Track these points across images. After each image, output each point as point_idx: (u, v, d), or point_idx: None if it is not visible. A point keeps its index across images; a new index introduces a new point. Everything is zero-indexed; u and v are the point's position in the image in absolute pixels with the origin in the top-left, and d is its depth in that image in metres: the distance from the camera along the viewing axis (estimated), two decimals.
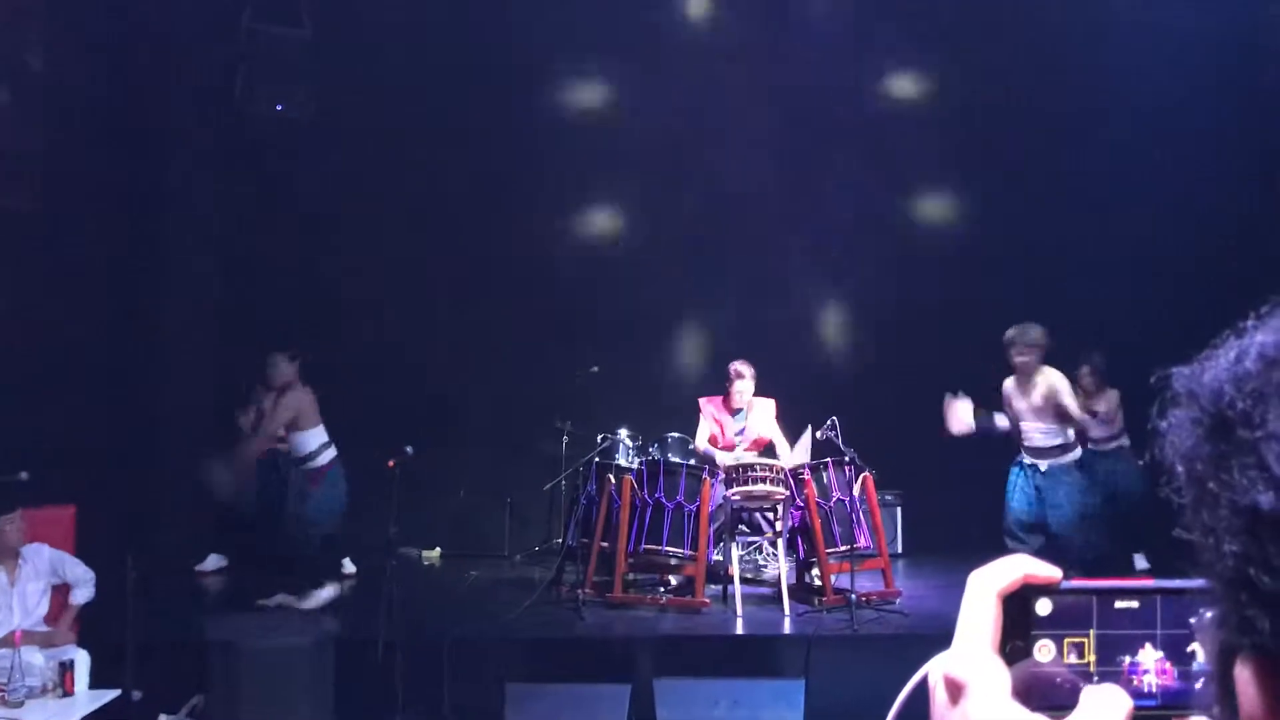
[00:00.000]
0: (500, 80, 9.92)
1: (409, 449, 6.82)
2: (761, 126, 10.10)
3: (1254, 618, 0.45)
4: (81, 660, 5.40)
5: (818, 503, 7.64)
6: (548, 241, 10.17)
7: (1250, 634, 0.46)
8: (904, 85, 10.19)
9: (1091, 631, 0.69)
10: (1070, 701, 0.67)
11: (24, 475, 6.43)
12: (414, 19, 9.83)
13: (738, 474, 7.61)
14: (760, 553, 8.88)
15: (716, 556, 8.01)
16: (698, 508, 7.53)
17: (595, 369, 9.12)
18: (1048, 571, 0.68)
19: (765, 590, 8.13)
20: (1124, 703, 0.64)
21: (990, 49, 9.72)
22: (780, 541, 7.77)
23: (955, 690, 0.65)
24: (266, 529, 8.40)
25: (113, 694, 5.42)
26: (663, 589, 7.94)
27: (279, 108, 9.34)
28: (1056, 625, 0.69)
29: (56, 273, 7.93)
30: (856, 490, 7.75)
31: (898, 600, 7.55)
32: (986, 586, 0.68)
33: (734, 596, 7.47)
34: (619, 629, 7.13)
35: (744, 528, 8.08)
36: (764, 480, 7.54)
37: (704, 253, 10.16)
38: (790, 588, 7.60)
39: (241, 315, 9.67)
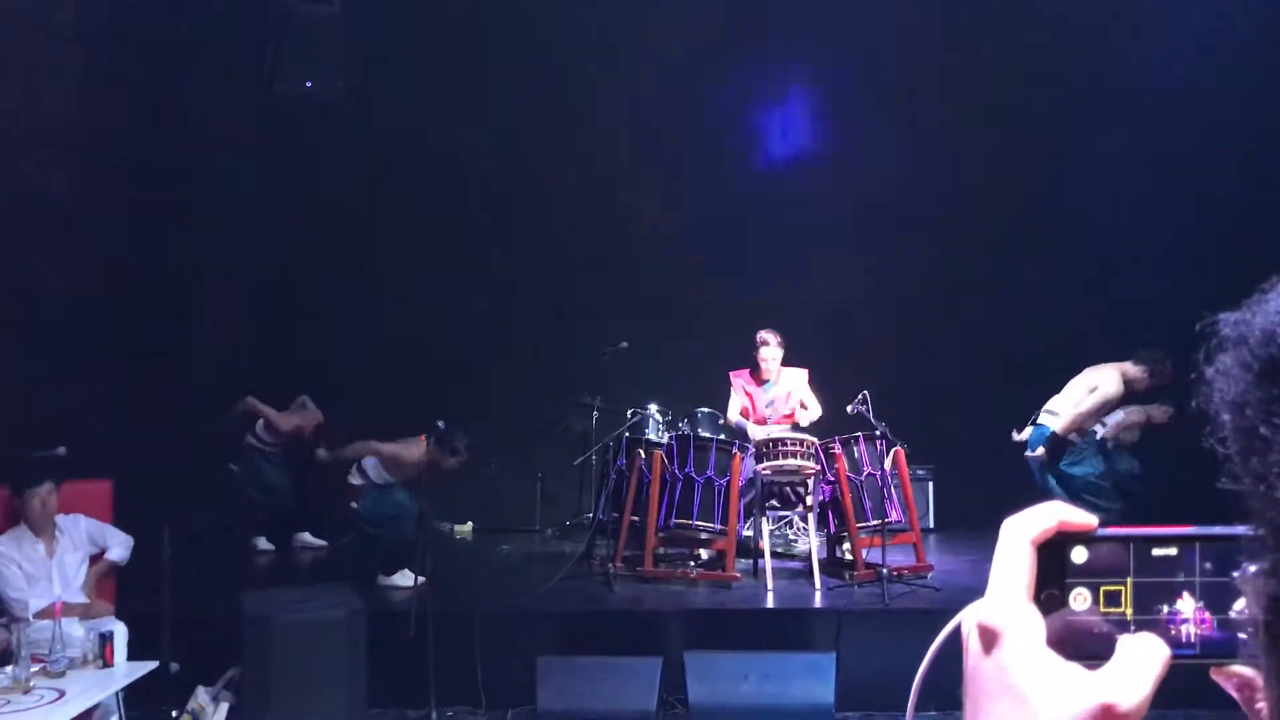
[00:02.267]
0: (531, 57, 9.90)
1: (441, 424, 6.85)
2: (793, 99, 10.03)
3: None
4: (120, 632, 5.47)
5: (849, 477, 7.62)
6: (577, 217, 10.15)
7: None
8: (938, 57, 10.07)
9: (1129, 580, 0.68)
10: (1106, 651, 0.65)
11: (62, 450, 6.52)
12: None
13: (768, 449, 7.59)
14: (791, 527, 8.87)
15: (747, 531, 8.01)
16: (728, 482, 7.52)
17: (625, 344, 9.11)
18: (1083, 518, 0.67)
19: (796, 565, 8.13)
20: (1161, 652, 0.63)
21: (1028, 24, 9.60)
22: (811, 516, 7.76)
23: (990, 638, 0.65)
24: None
25: (151, 665, 5.49)
26: (693, 563, 7.96)
27: (309, 85, 9.35)
28: (1092, 573, 0.68)
29: (94, 252, 8.01)
30: (888, 464, 7.72)
31: (929, 575, 7.53)
32: (1021, 534, 0.67)
33: (764, 571, 7.47)
34: (650, 603, 7.16)
35: (774, 502, 8.05)
36: (795, 455, 7.52)
37: (734, 226, 10.12)
38: (821, 562, 7.59)
39: (274, 292, 9.73)
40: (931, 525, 9.32)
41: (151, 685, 5.56)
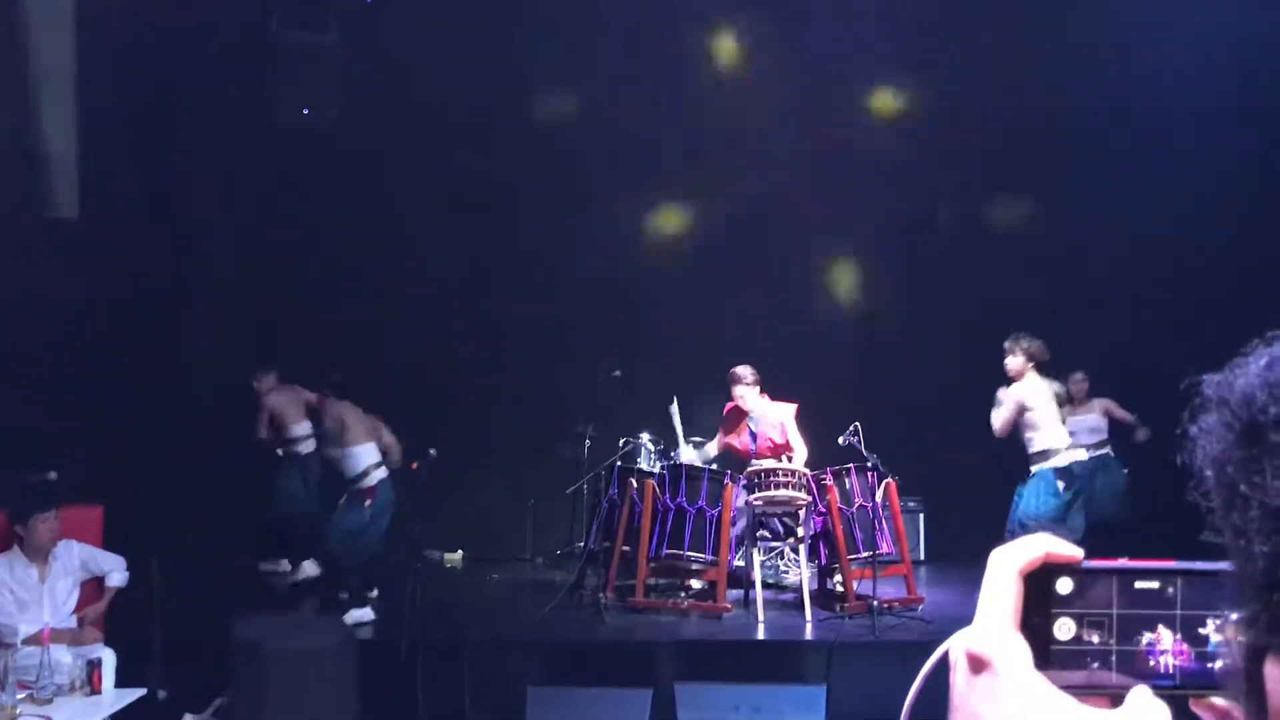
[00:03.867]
0: (525, 85, 9.98)
1: (433, 451, 6.86)
2: (784, 134, 10.11)
3: None
4: (108, 659, 5.44)
5: (840, 508, 7.63)
6: (571, 246, 10.19)
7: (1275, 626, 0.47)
8: (924, 91, 10.16)
9: (1112, 611, 0.70)
10: (1089, 680, 0.68)
11: (53, 475, 6.51)
12: (439, 24, 9.89)
13: (760, 479, 7.60)
14: (782, 558, 8.86)
15: (738, 562, 8.00)
16: (719, 512, 7.53)
17: (618, 373, 9.12)
18: (1069, 550, 0.69)
19: (787, 596, 8.13)
20: (1163, 716, 0.64)
21: (1007, 55, 9.69)
22: (802, 547, 7.76)
23: (978, 665, 0.67)
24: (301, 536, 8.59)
25: (139, 693, 5.46)
26: (684, 594, 7.95)
27: (305, 112, 9.40)
28: (1077, 604, 0.70)
29: (87, 275, 8.01)
30: (879, 496, 7.74)
31: (920, 607, 7.53)
32: (1008, 564, 0.69)
33: (755, 602, 7.46)
34: (640, 633, 7.14)
35: (765, 533, 8.06)
36: (786, 486, 7.53)
37: (726, 258, 10.17)
38: (812, 593, 7.59)
39: (268, 318, 9.74)
40: (922, 557, 9.32)
41: (140, 713, 5.52)
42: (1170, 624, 0.69)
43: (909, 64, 10.07)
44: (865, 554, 7.48)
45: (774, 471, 7.63)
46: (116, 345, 8.32)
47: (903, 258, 10.01)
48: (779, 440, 8.21)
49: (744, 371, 8.19)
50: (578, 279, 10.14)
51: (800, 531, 7.74)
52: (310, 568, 8.57)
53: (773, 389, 8.32)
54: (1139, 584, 0.69)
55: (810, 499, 7.64)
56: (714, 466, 8.07)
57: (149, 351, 8.84)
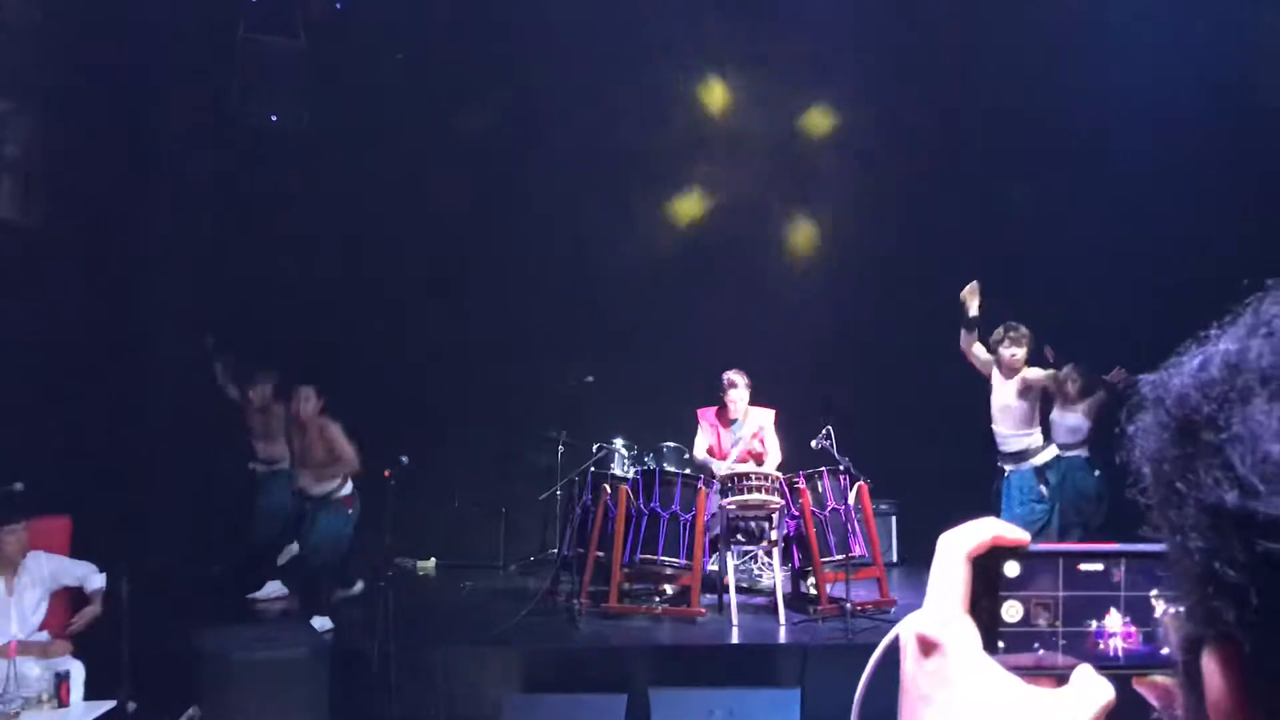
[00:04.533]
0: (494, 90, 9.96)
1: (404, 459, 6.82)
2: (756, 137, 10.14)
3: (1219, 609, 0.47)
4: (77, 671, 5.40)
5: (813, 512, 7.65)
6: (543, 251, 10.18)
7: (1216, 624, 0.48)
8: (894, 93, 10.22)
9: (1058, 593, 0.71)
10: (1037, 661, 0.69)
11: (19, 486, 6.43)
12: (409, 29, 9.86)
13: (733, 483, 7.62)
14: (756, 562, 8.88)
15: (712, 566, 8.02)
16: (693, 517, 7.54)
17: (590, 379, 9.13)
18: (1016, 534, 0.70)
19: (761, 599, 8.14)
20: (1107, 694, 0.66)
21: (980, 58, 9.76)
22: (776, 551, 7.78)
23: (927, 648, 0.68)
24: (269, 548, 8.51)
25: (108, 705, 5.41)
26: (658, 598, 7.95)
27: (274, 118, 9.35)
28: (1024, 587, 0.71)
29: (52, 283, 7.93)
30: (851, 499, 7.77)
31: (893, 609, 7.56)
32: (956, 548, 0.70)
33: (730, 606, 7.47)
34: (615, 639, 7.13)
35: (739, 537, 8.07)
36: (759, 490, 7.55)
37: (698, 262, 10.19)
38: (786, 597, 7.61)
39: (236, 325, 9.67)
40: (895, 560, 9.36)
41: None
42: (1117, 605, 0.70)
43: (884, 65, 10.12)
44: (838, 557, 7.51)
45: (747, 476, 7.65)
46: (82, 354, 8.23)
47: (876, 261, 10.05)
48: (758, 448, 8.25)
49: (739, 377, 8.22)
50: (550, 285, 10.13)
51: (774, 535, 7.76)
52: (276, 588, 8.51)
53: (751, 391, 8.38)
54: (1084, 566, 0.71)
55: (783, 503, 7.66)
56: (687, 471, 8.08)
57: (116, 360, 8.75)
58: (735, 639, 7.18)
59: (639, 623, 7.50)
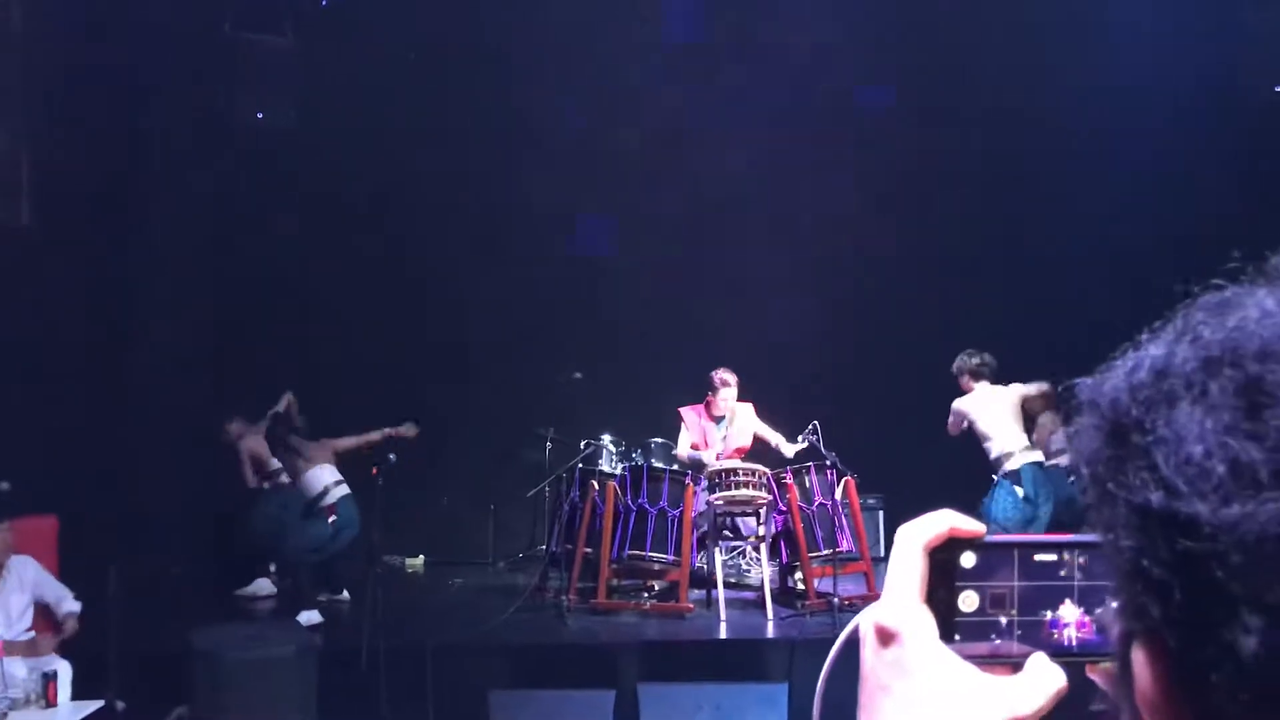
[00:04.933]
0: (482, 88, 9.94)
1: (392, 456, 6.83)
2: (743, 133, 10.15)
3: (1146, 604, 0.49)
4: (64, 671, 5.38)
5: (800, 507, 7.67)
6: (531, 249, 10.18)
7: (1144, 619, 0.50)
8: (883, 90, 10.25)
9: (1014, 584, 0.72)
10: (993, 651, 0.71)
11: (5, 485, 6.41)
12: (396, 27, 9.84)
13: (721, 479, 7.64)
14: (743, 557, 8.90)
15: (700, 562, 8.04)
16: (681, 513, 7.55)
17: (579, 375, 9.13)
18: (972, 525, 0.72)
19: (748, 595, 8.16)
20: (1059, 681, 0.67)
21: (977, 56, 9.79)
22: (763, 546, 7.80)
23: (885, 638, 0.69)
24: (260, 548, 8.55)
25: (96, 705, 5.40)
26: (646, 594, 7.96)
27: (260, 116, 9.32)
28: (980, 577, 0.72)
29: (43, 284, 7.91)
30: (839, 494, 7.79)
31: None
32: (913, 540, 0.71)
33: (717, 601, 7.49)
34: (603, 635, 7.15)
35: (727, 532, 8.11)
36: (747, 485, 7.57)
37: (685, 259, 10.20)
38: (773, 592, 7.63)
39: (226, 324, 9.66)
40: (882, 554, 9.37)
41: None
42: (1071, 595, 0.71)
43: (871, 62, 10.14)
44: (826, 552, 7.53)
45: (735, 471, 7.67)
46: (73, 354, 8.21)
47: (862, 257, 10.07)
48: (746, 444, 8.29)
49: (730, 377, 8.24)
50: (539, 282, 10.13)
51: (761, 530, 7.78)
52: (265, 585, 8.51)
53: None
54: (1039, 557, 0.72)
55: (771, 498, 7.68)
56: (675, 467, 8.10)
57: (105, 360, 8.72)
58: (723, 634, 7.21)
59: (627, 618, 7.52)
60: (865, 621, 0.71)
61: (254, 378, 9.17)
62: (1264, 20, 9.18)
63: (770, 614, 7.40)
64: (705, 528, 7.86)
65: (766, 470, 7.77)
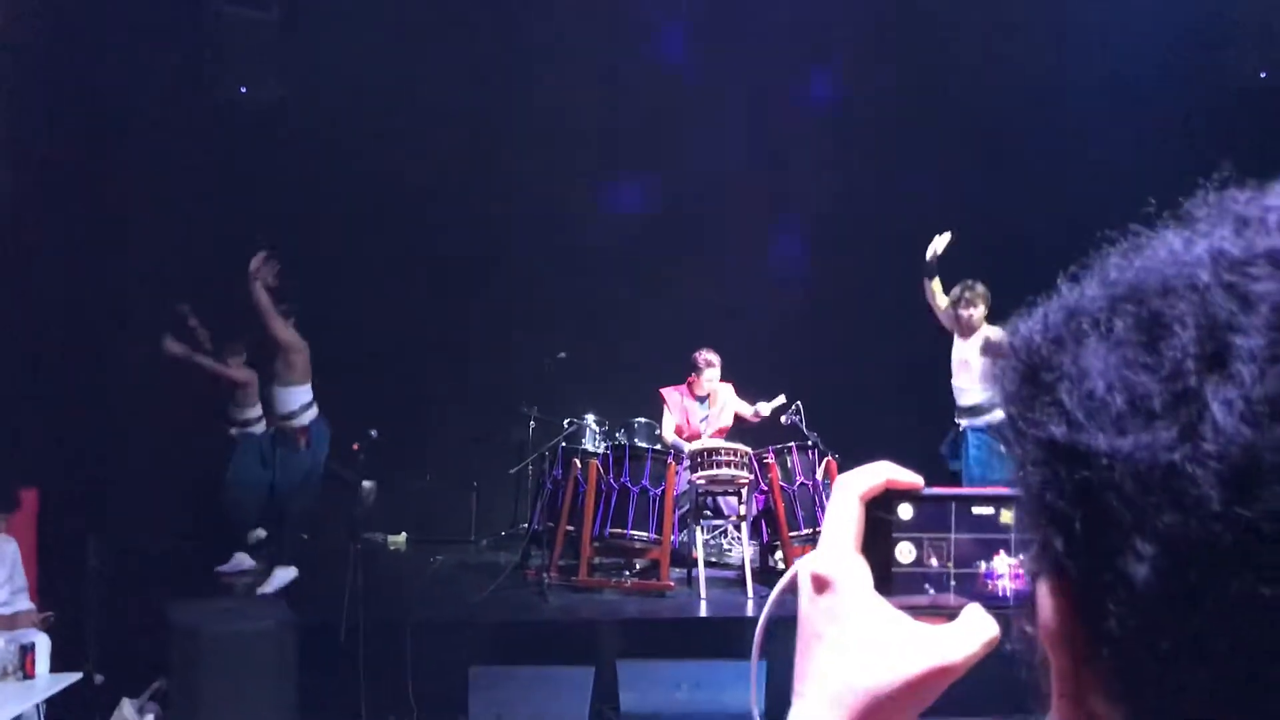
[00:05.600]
0: (466, 67, 9.90)
1: (373, 433, 6.82)
2: (725, 116, 10.14)
3: (1050, 538, 0.50)
4: (42, 643, 5.37)
5: (781, 486, 7.70)
6: (516, 227, 10.16)
7: (1048, 553, 0.50)
8: (865, 71, 10.23)
9: (950, 535, 0.73)
10: (929, 600, 0.72)
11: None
12: (383, 2, 9.78)
13: (702, 458, 7.66)
14: (725, 536, 8.94)
15: (681, 540, 8.07)
16: (663, 492, 7.57)
17: (563, 355, 9.13)
18: (909, 477, 0.73)
19: (729, 574, 8.20)
20: (991, 630, 0.68)
21: (956, 34, 9.78)
22: (744, 525, 7.83)
23: (820, 586, 0.71)
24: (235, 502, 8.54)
25: (74, 677, 5.40)
26: (628, 573, 7.99)
27: (243, 90, 9.27)
28: (918, 528, 0.73)
29: (15, 255, 7.86)
30: (820, 474, 7.82)
31: None
32: (851, 490, 0.72)
33: (698, 580, 7.52)
34: (584, 612, 7.17)
35: (708, 511, 8.14)
36: (728, 464, 7.59)
37: (669, 239, 10.18)
38: (754, 571, 7.66)
39: (203, 298, 9.61)
40: None
41: (75, 698, 5.47)
42: (1006, 547, 0.72)
43: (851, 43, 10.13)
44: (807, 531, 7.57)
45: (717, 450, 7.69)
46: (53, 326, 8.17)
47: (844, 236, 10.07)
48: (729, 424, 8.33)
49: (714, 357, 8.29)
50: (522, 259, 10.12)
51: (742, 509, 7.81)
52: (244, 560, 8.51)
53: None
54: (976, 509, 0.73)
55: (752, 477, 7.71)
56: (658, 447, 8.12)
57: (86, 333, 8.69)
58: (703, 612, 7.24)
59: (608, 596, 7.54)
60: (802, 570, 0.72)
61: (238, 351, 9.13)
62: (1249, 6, 9.18)
63: (750, 592, 7.43)
64: (687, 506, 7.89)
65: (748, 450, 7.79)
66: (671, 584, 7.57)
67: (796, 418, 7.99)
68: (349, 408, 8.29)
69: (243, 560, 8.47)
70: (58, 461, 7.39)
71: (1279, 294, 0.44)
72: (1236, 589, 0.41)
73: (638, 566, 8.03)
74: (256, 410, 8.86)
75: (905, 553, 0.73)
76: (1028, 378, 0.52)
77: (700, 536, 7.83)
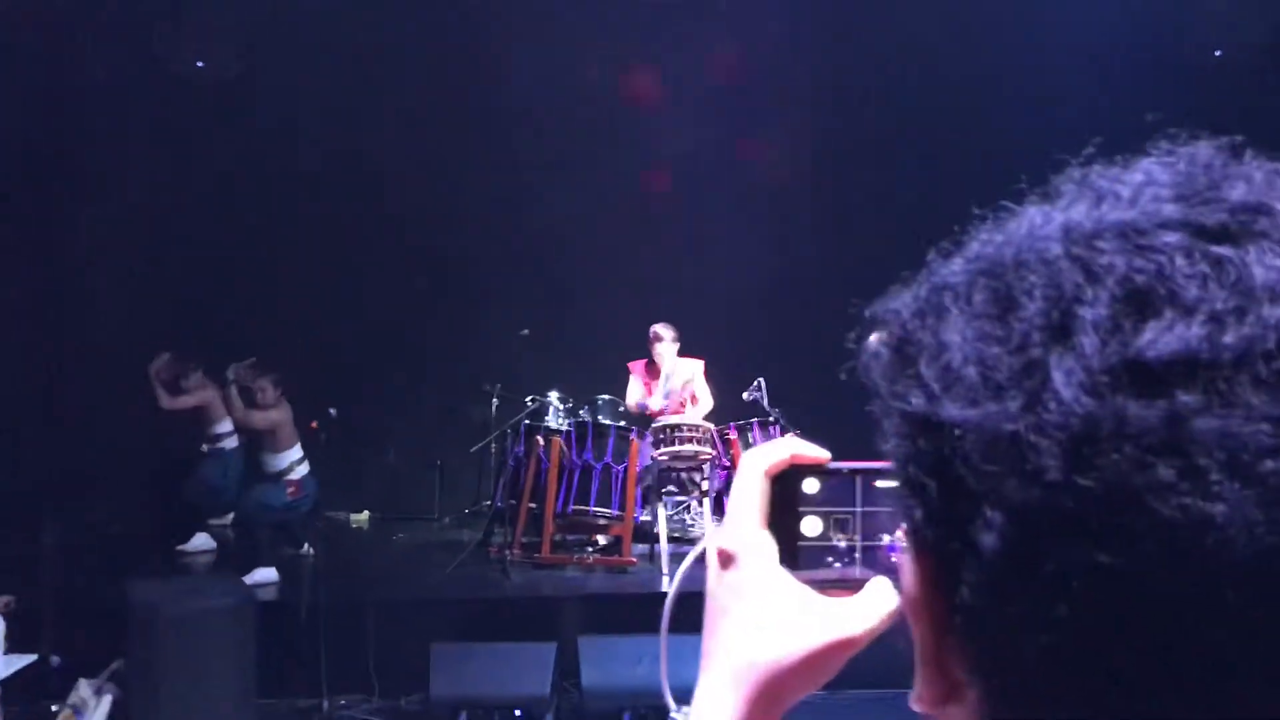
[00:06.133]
0: (427, 42, 9.81)
1: (332, 411, 6.78)
2: (690, 92, 10.10)
3: (912, 509, 0.50)
4: None
5: None
6: (477, 205, 10.09)
7: (910, 524, 0.51)
8: (831, 51, 10.22)
9: (856, 509, 0.73)
10: (835, 574, 0.72)
11: None
12: None
13: (665, 434, 7.67)
14: (688, 512, 8.95)
15: (644, 516, 8.08)
16: (626, 468, 7.58)
17: (526, 332, 9.10)
18: (815, 452, 0.74)
19: (692, 549, 8.20)
20: (893, 602, 0.69)
21: (912, 16, 9.79)
22: (707, 501, 7.86)
23: (725, 560, 0.72)
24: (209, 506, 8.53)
25: (29, 659, 5.35)
26: (590, 549, 8.00)
27: (200, 65, 9.14)
28: (823, 503, 0.73)
29: None
30: None
31: None
32: (756, 465, 0.73)
33: (661, 555, 7.54)
34: (546, 588, 7.18)
35: (671, 488, 8.14)
36: (691, 441, 7.61)
37: (633, 215, 10.15)
38: None
39: (160, 276, 9.51)
40: None
41: (31, 679, 5.42)
42: None
43: (823, 14, 10.11)
44: None
45: (679, 427, 7.70)
46: (8, 304, 8.06)
47: (812, 213, 10.09)
48: (698, 399, 8.34)
49: (666, 330, 8.28)
50: (486, 238, 10.05)
51: (705, 485, 7.83)
52: (204, 540, 8.44)
53: (680, 345, 8.42)
54: (880, 483, 0.73)
55: (715, 453, 7.73)
56: (621, 423, 8.12)
57: (42, 311, 8.58)
58: (666, 588, 7.26)
59: (571, 573, 7.55)
60: (709, 545, 0.73)
61: (197, 330, 9.04)
62: None
63: None
64: (649, 481, 7.90)
65: (711, 426, 7.81)
66: (634, 560, 7.59)
67: (759, 394, 8.01)
68: (310, 385, 8.23)
69: (203, 541, 8.41)
70: (12, 441, 7.30)
71: (1124, 267, 0.45)
72: (1076, 556, 0.42)
73: (601, 543, 8.04)
74: (226, 425, 8.64)
75: (811, 527, 0.73)
76: (896, 351, 0.53)
77: (663, 513, 7.84)
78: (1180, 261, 0.44)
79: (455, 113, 9.92)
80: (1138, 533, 0.41)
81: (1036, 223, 0.51)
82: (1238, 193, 0.47)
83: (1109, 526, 0.41)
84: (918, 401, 0.49)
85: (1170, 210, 0.47)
